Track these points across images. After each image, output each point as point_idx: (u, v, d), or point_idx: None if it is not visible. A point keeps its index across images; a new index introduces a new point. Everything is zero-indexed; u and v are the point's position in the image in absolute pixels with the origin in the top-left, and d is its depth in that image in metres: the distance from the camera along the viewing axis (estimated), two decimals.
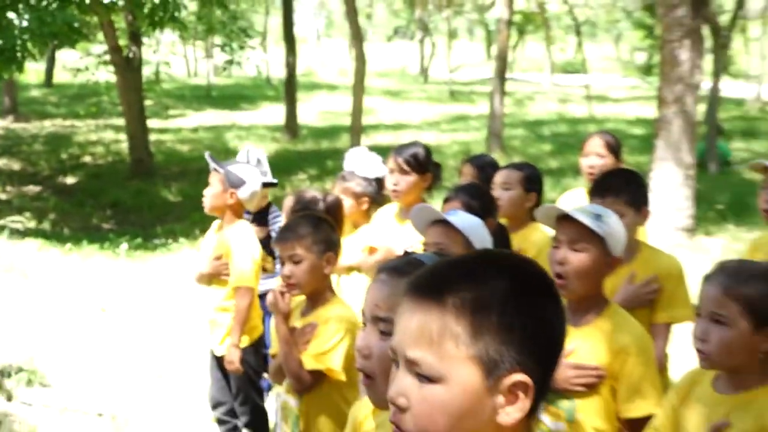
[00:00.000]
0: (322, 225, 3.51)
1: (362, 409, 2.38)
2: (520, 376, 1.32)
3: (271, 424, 4.96)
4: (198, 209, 11.14)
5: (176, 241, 10.06)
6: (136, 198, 12.64)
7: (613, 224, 3.12)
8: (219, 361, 4.74)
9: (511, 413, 1.34)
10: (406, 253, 2.36)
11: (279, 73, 29.87)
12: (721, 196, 11.38)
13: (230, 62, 15.05)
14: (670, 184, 7.63)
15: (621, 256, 3.25)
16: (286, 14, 17.82)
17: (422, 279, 1.43)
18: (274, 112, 23.04)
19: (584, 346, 2.98)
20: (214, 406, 4.93)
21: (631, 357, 2.92)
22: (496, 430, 1.36)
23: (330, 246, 3.46)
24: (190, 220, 10.78)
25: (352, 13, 14.61)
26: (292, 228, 3.52)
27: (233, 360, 4.55)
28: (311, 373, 3.38)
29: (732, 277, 2.55)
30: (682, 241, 8.39)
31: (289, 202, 4.43)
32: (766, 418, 2.44)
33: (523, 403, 1.34)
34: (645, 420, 2.83)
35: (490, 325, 1.31)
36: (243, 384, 4.76)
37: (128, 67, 14.28)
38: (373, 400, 2.19)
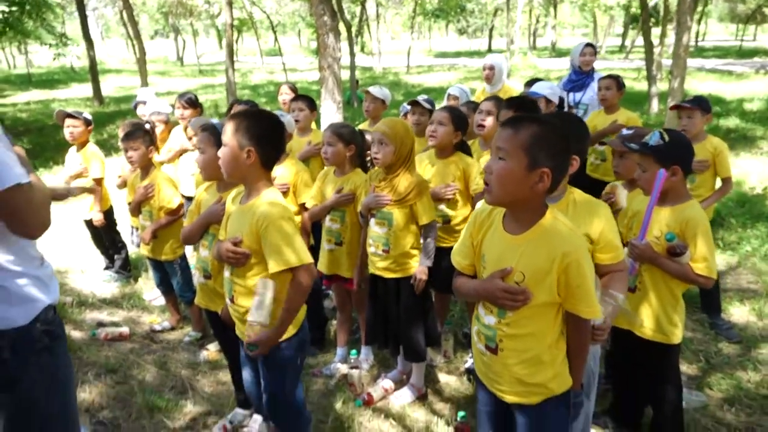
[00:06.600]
0: (147, 133, 4.07)
1: (201, 186, 2.91)
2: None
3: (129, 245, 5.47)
4: (45, 150, 10.71)
5: (37, 170, 9.60)
6: None
7: None
8: (89, 222, 5.14)
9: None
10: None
11: (78, 63, 27.28)
12: (359, 120, 12.46)
13: (58, 55, 13.76)
14: (330, 112, 8.08)
15: None
16: (83, 22, 16.31)
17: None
18: (82, 89, 21.08)
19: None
20: (99, 248, 5.38)
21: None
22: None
23: (152, 142, 4.03)
24: (43, 157, 10.23)
25: (131, 20, 13.91)
26: (134, 133, 3.97)
27: (100, 218, 5.03)
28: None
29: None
30: None
31: (123, 126, 4.80)
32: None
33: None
34: (428, 225, 2.99)
35: None
36: (107, 230, 5.21)
37: None
38: None
